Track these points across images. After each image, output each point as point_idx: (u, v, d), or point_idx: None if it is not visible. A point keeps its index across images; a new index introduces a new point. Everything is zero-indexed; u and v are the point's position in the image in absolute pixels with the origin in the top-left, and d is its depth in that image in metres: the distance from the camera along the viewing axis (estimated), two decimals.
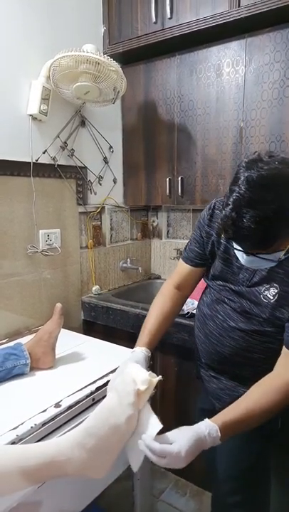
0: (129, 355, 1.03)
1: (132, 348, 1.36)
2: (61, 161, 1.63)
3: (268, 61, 1.47)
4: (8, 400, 1.04)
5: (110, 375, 1.17)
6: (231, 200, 0.73)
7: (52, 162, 1.58)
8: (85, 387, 1.08)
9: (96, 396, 1.08)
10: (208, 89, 1.63)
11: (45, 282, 1.63)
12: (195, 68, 1.66)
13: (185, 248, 1.16)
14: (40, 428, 0.93)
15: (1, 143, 1.41)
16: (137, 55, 1.76)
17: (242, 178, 0.73)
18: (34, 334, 1.26)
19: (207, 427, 0.78)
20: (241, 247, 0.79)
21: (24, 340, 1.27)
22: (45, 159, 1.56)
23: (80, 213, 1.77)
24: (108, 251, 1.97)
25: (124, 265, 2.07)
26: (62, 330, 1.29)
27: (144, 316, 1.59)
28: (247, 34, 1.49)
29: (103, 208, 1.90)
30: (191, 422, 0.83)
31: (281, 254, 0.80)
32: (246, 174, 0.73)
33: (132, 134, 1.92)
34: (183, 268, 1.15)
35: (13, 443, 0.86)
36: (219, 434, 0.78)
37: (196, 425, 0.79)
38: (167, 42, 1.63)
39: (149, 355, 1.05)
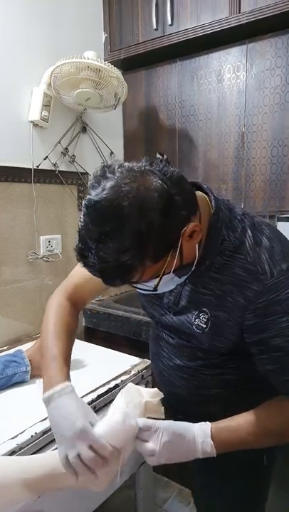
0: (62, 399, 0.73)
1: (135, 354, 1.35)
2: (62, 167, 1.63)
3: (269, 66, 1.47)
4: (8, 408, 1.03)
5: (112, 382, 1.15)
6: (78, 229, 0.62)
7: (53, 168, 1.58)
8: (86, 394, 1.07)
9: (97, 404, 1.07)
10: (210, 95, 1.63)
11: (47, 289, 1.63)
12: (196, 74, 1.66)
13: None
14: (40, 437, 0.91)
15: (3, 149, 1.41)
16: (137, 62, 1.77)
17: (84, 201, 0.61)
18: (35, 341, 1.25)
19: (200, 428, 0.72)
20: (108, 285, 0.68)
21: (25, 347, 1.26)
22: (46, 165, 1.56)
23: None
24: None
25: None
26: None
27: (146, 323, 1.60)
28: (248, 40, 1.49)
29: None
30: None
31: (169, 277, 0.68)
32: (87, 196, 0.60)
33: (133, 140, 1.92)
34: (77, 275, 0.96)
35: (13, 452, 0.85)
36: (209, 432, 0.71)
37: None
38: (168, 48, 1.64)
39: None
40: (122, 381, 1.17)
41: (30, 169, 1.49)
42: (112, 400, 0.96)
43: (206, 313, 0.75)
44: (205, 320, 0.75)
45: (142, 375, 1.24)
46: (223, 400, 0.83)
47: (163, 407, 0.78)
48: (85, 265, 0.62)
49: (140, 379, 1.24)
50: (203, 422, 0.74)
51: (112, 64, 1.46)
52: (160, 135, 1.81)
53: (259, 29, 1.43)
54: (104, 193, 0.58)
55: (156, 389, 0.79)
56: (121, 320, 1.68)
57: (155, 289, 0.68)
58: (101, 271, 0.61)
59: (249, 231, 0.72)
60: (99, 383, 1.13)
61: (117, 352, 1.40)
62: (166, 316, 0.84)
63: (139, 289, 0.72)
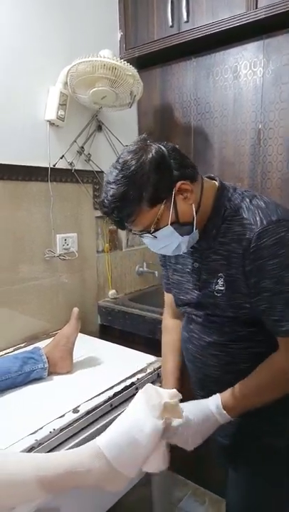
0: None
1: (150, 353, 1.36)
2: (78, 166, 1.64)
3: (286, 62, 1.45)
4: (27, 404, 1.04)
5: (128, 380, 1.16)
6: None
7: (69, 167, 1.60)
8: (103, 392, 1.08)
9: (114, 402, 1.07)
10: (226, 92, 1.61)
11: (63, 287, 1.64)
12: (212, 71, 1.65)
13: (163, 279, 1.16)
14: (58, 433, 0.92)
15: (20, 148, 1.42)
16: (153, 59, 1.76)
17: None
18: (52, 338, 1.26)
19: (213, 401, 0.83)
20: (115, 225, 0.85)
21: (42, 344, 1.27)
22: (62, 164, 1.57)
23: (97, 217, 1.78)
24: (124, 255, 1.97)
25: (141, 269, 2.06)
26: (79, 334, 1.29)
27: (161, 321, 1.59)
28: (265, 35, 1.47)
29: None
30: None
31: (168, 230, 0.83)
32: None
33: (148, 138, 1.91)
34: (168, 297, 1.15)
35: (32, 448, 0.87)
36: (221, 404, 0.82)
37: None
38: (183, 45, 1.62)
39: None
40: (138, 379, 1.18)
41: (47, 168, 1.50)
42: (129, 398, 0.97)
43: (222, 276, 0.85)
44: (222, 282, 0.85)
45: (158, 374, 1.24)
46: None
47: (182, 409, 0.79)
48: (102, 206, 0.82)
49: (156, 377, 1.24)
50: (213, 396, 0.85)
51: (127, 62, 1.46)
52: (175, 133, 1.80)
53: (276, 24, 1.40)
54: (122, 156, 0.81)
55: (174, 390, 0.80)
56: (136, 318, 1.69)
57: (154, 235, 0.83)
58: (112, 210, 0.80)
59: (247, 199, 0.84)
60: (115, 381, 1.14)
61: (133, 350, 1.41)
62: (193, 295, 0.93)
63: (146, 241, 0.88)
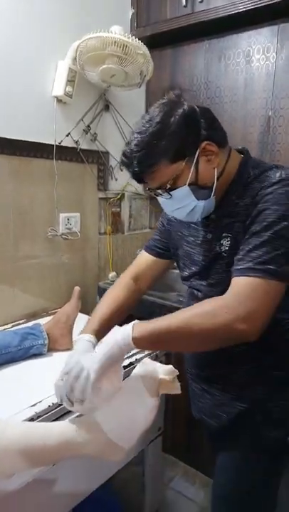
0: (75, 346, 0.89)
1: None
2: (84, 145, 1.62)
3: None
4: (27, 379, 1.05)
5: (127, 360, 1.16)
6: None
7: (74, 146, 1.58)
8: None
9: None
10: (237, 76, 1.59)
11: (64, 266, 1.64)
12: (224, 54, 1.62)
13: (148, 240, 1.11)
14: (56, 407, 0.93)
15: (26, 124, 1.40)
16: (164, 39, 1.73)
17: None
18: (51, 316, 1.27)
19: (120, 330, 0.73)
20: (133, 177, 0.83)
21: (41, 321, 1.28)
22: (68, 142, 1.55)
23: (100, 199, 1.77)
24: (126, 238, 1.96)
25: None
26: (79, 314, 1.30)
27: (160, 305, 1.60)
28: (279, 20, 1.44)
29: (123, 194, 1.89)
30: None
31: (185, 190, 0.80)
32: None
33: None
34: (142, 258, 1.10)
35: (31, 419, 0.88)
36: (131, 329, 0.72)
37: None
38: (196, 26, 1.59)
39: (96, 342, 0.91)
40: (136, 360, 1.18)
41: (53, 145, 1.48)
42: (127, 377, 0.97)
43: (228, 236, 0.83)
44: (228, 242, 0.82)
45: (156, 355, 1.25)
46: (249, 362, 0.86)
47: (179, 383, 0.79)
48: (123, 156, 0.81)
49: (154, 358, 1.25)
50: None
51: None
52: None
53: None
54: (153, 108, 0.80)
55: (170, 366, 0.80)
56: None
57: (170, 193, 0.80)
58: (132, 160, 0.78)
59: (273, 166, 0.81)
60: None
61: None
62: (200, 265, 0.90)
63: (160, 199, 0.85)
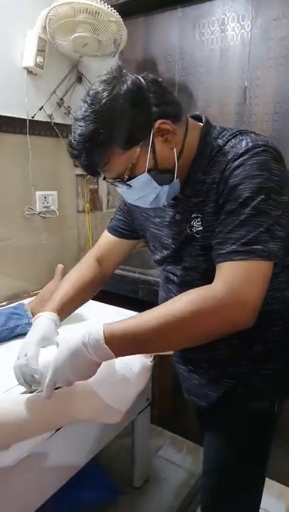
0: (34, 323, 0.87)
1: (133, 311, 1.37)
2: (58, 119, 1.56)
3: (275, 16, 1.41)
4: (12, 357, 1.03)
5: None
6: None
7: (48, 120, 1.52)
8: None
9: None
10: (212, 46, 1.56)
11: (42, 246, 1.61)
12: (198, 23, 1.58)
13: (111, 220, 1.05)
14: None
15: None
16: (137, 7, 1.67)
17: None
18: (34, 297, 1.25)
19: (83, 336, 0.66)
20: (85, 170, 0.75)
21: (25, 302, 1.26)
22: (41, 116, 1.49)
23: (77, 175, 1.72)
24: (105, 216, 1.94)
25: None
26: None
27: (143, 281, 1.60)
28: None
29: None
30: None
31: (144, 178, 0.73)
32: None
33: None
34: (105, 239, 1.04)
35: None
36: (102, 338, 0.64)
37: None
38: None
39: (58, 321, 0.88)
40: None
41: (25, 120, 1.42)
42: None
43: (199, 216, 0.76)
44: (199, 223, 0.76)
45: None
46: (232, 338, 0.80)
47: None
48: (70, 147, 0.72)
49: None
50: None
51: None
52: None
53: None
54: (93, 88, 0.69)
55: None
56: (118, 279, 1.69)
57: (129, 183, 0.73)
58: (80, 152, 0.70)
59: (238, 133, 0.73)
60: None
61: (115, 307, 1.42)
62: (171, 247, 0.84)
63: (120, 190, 0.78)
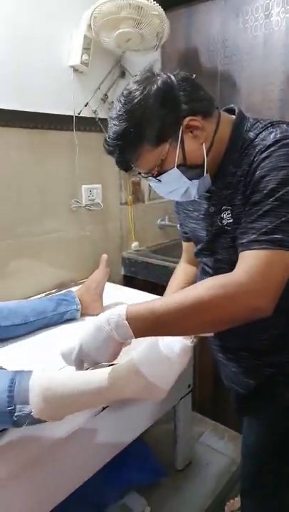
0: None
1: None
2: (102, 115, 1.61)
3: None
4: (63, 339, 1.11)
5: None
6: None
7: (93, 115, 1.58)
8: None
9: None
10: (256, 33, 1.54)
11: (88, 237, 1.68)
12: (241, 10, 1.56)
13: None
14: None
15: (44, 96, 1.41)
16: None
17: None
18: (80, 285, 1.32)
19: (108, 313, 0.72)
20: (119, 166, 0.81)
21: (73, 290, 1.33)
22: (86, 112, 1.55)
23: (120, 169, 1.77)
24: (147, 208, 1.98)
25: (162, 223, 2.08)
26: (106, 282, 1.34)
27: None
28: None
29: None
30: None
31: (174, 173, 0.76)
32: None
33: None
34: (185, 245, 1.14)
35: None
36: (124, 314, 0.69)
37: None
38: None
39: None
40: None
41: (72, 117, 1.49)
42: None
43: (229, 208, 0.77)
44: (229, 215, 0.77)
45: None
46: (271, 327, 0.82)
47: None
48: (106, 144, 0.78)
49: None
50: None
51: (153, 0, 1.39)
52: (201, 78, 1.67)
53: None
54: (127, 88, 0.74)
55: None
56: (158, 268, 1.73)
57: (159, 178, 0.77)
58: (113, 148, 0.76)
59: (270, 126, 0.73)
60: None
61: (157, 296, 1.46)
62: (205, 239, 0.87)
63: (152, 184, 0.83)
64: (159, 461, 1.45)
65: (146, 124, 0.71)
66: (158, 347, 0.76)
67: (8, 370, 0.82)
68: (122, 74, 1.67)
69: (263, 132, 0.73)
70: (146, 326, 0.69)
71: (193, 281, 1.06)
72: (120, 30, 1.41)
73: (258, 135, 0.73)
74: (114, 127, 0.73)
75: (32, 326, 1.13)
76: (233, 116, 0.80)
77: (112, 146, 0.76)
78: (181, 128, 0.73)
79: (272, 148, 0.69)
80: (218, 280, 0.68)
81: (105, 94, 1.61)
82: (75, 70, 1.48)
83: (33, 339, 1.13)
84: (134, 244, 1.92)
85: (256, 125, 0.76)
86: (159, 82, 0.72)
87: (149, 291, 1.59)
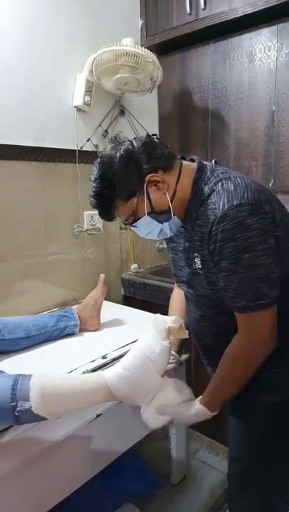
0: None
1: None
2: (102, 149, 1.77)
3: None
4: (63, 352, 1.21)
5: None
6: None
7: (94, 149, 1.74)
8: (128, 344, 1.23)
9: None
10: (241, 75, 1.70)
11: (89, 260, 1.80)
12: (228, 55, 1.73)
13: None
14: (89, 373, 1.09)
15: (51, 132, 1.57)
16: (172, 45, 1.87)
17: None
18: (81, 301, 1.43)
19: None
20: (102, 218, 0.96)
21: (73, 307, 1.44)
22: (88, 147, 1.71)
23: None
24: None
25: (160, 246, 2.20)
26: (105, 302, 1.44)
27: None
28: (278, 20, 1.55)
29: None
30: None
31: (146, 219, 0.90)
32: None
33: (168, 121, 2.03)
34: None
35: None
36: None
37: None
38: (201, 31, 1.72)
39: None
40: None
41: (75, 151, 1.65)
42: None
43: (198, 256, 0.91)
44: (199, 261, 0.91)
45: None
46: None
47: (187, 330, 0.94)
48: (89, 201, 0.93)
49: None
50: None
51: (148, 49, 1.58)
52: (193, 116, 1.90)
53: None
54: (99, 155, 0.90)
55: (176, 316, 0.93)
56: (156, 289, 1.83)
57: (134, 224, 0.92)
58: (95, 205, 0.92)
59: (220, 183, 0.86)
60: (139, 335, 1.27)
61: (153, 314, 1.55)
62: (184, 272, 0.99)
63: (132, 228, 0.96)
64: (155, 475, 1.50)
65: (116, 184, 0.87)
66: (140, 348, 0.87)
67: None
68: (122, 112, 1.84)
69: (214, 193, 0.85)
70: (218, 404, 0.93)
71: (179, 301, 1.17)
72: (118, 75, 1.58)
73: (210, 194, 0.86)
74: (93, 188, 0.90)
75: (34, 339, 1.24)
76: (195, 165, 0.93)
77: (94, 203, 0.92)
78: (145, 184, 0.88)
79: (225, 223, 0.80)
80: (230, 355, 0.89)
81: (106, 131, 1.77)
82: (79, 109, 1.65)
83: (34, 352, 1.23)
84: (134, 266, 2.04)
85: (210, 180, 0.88)
86: (122, 150, 0.87)
87: (146, 310, 1.69)
